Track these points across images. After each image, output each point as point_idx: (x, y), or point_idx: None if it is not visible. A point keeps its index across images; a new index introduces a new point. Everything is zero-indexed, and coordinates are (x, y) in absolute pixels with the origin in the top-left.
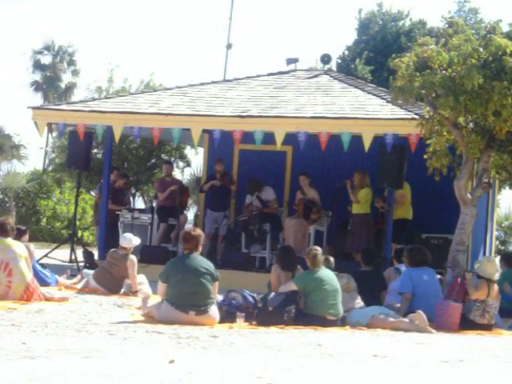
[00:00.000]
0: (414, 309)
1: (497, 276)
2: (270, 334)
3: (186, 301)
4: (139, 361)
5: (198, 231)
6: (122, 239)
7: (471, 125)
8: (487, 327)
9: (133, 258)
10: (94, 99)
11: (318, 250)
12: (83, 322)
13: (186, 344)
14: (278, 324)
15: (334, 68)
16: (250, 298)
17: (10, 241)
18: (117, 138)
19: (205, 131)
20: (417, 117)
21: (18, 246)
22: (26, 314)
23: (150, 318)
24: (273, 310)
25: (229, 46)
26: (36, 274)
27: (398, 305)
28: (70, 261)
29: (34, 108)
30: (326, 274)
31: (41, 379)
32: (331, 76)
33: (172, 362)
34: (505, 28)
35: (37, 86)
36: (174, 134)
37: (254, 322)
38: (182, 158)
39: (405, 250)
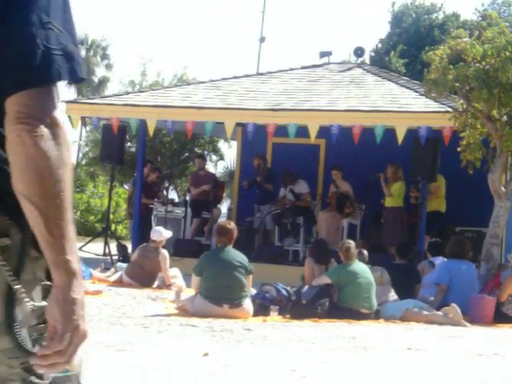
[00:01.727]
0: (449, 302)
1: None
2: (304, 327)
3: (219, 294)
4: (173, 354)
5: (233, 224)
6: (153, 233)
7: (505, 118)
8: (507, 319)
9: (164, 251)
10: (127, 93)
11: (352, 243)
12: (117, 315)
13: (220, 337)
14: (312, 317)
15: (367, 61)
16: (284, 292)
17: None
18: (151, 131)
19: (238, 124)
20: (450, 110)
21: None
22: None
23: (184, 311)
24: (306, 304)
25: (262, 40)
26: None
27: (432, 298)
28: (104, 254)
29: (67, 102)
30: (360, 268)
31: None
32: (364, 69)
33: (206, 354)
34: None
35: None
36: (207, 127)
37: (287, 316)
38: (216, 151)
39: (450, 241)
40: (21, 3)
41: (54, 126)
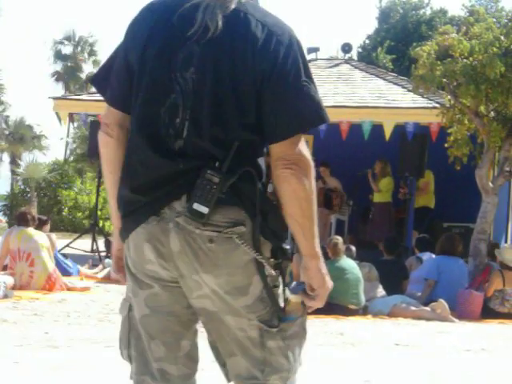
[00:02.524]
0: (437, 297)
1: None
2: None
3: None
4: None
5: None
6: None
7: (492, 113)
8: (508, 316)
9: None
10: None
11: (339, 239)
12: (105, 312)
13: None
14: None
15: (355, 57)
16: None
17: (31, 231)
18: None
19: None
20: (438, 105)
21: (40, 236)
22: (48, 303)
23: None
24: None
25: None
26: (58, 264)
27: (420, 294)
28: (92, 251)
29: (55, 98)
30: (348, 264)
31: (63, 368)
32: (352, 65)
33: None
34: None
35: (58, 77)
36: None
37: None
38: None
39: (440, 238)
40: (286, 65)
41: (307, 165)
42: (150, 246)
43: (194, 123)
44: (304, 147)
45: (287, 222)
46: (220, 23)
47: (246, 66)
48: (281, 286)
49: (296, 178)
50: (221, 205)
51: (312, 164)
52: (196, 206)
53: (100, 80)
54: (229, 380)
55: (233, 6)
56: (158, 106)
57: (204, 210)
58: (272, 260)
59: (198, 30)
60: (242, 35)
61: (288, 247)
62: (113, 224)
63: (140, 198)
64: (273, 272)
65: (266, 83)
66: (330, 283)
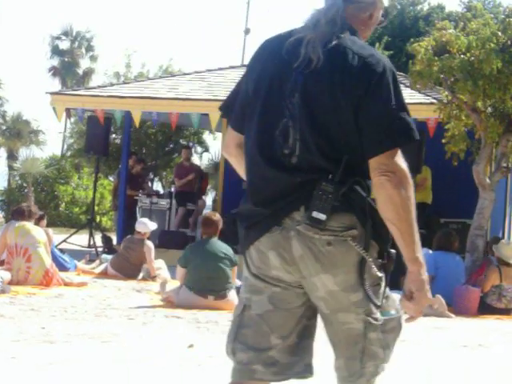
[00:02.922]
0: (434, 293)
1: None
2: None
3: (204, 285)
4: (158, 345)
5: (218, 216)
6: (138, 224)
7: (490, 109)
8: (505, 311)
9: (149, 243)
10: (112, 84)
11: None
12: (102, 307)
13: (205, 328)
14: None
15: None
16: None
17: (29, 226)
18: (137, 122)
19: (223, 116)
20: (435, 101)
21: (38, 232)
22: (45, 298)
23: (169, 302)
24: None
25: (247, 31)
26: (55, 259)
27: None
28: (89, 246)
29: (52, 93)
30: None
31: (60, 363)
32: None
33: (191, 346)
34: None
35: (55, 72)
36: (193, 119)
37: None
38: (201, 143)
39: (437, 234)
40: (376, 96)
41: (403, 175)
42: (275, 253)
43: (304, 142)
44: (400, 160)
45: (388, 227)
46: (321, 56)
47: (343, 92)
48: (383, 285)
49: (392, 184)
50: (335, 212)
51: (409, 175)
52: (315, 214)
53: (225, 107)
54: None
55: (334, 42)
56: (273, 129)
57: (322, 217)
58: (379, 261)
59: (303, 62)
60: (341, 66)
61: (393, 251)
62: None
63: (262, 210)
64: (378, 273)
65: (360, 107)
66: (428, 292)
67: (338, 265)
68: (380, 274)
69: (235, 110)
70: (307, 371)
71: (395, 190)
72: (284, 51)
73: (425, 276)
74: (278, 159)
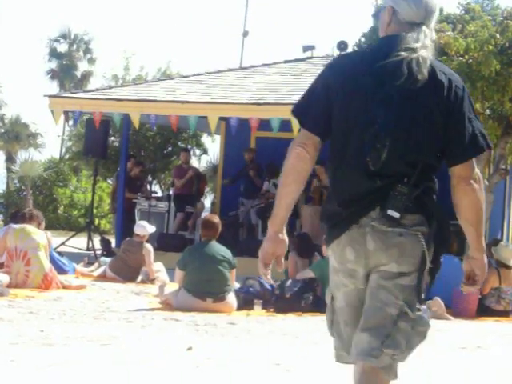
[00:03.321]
0: (432, 295)
1: None
2: (288, 321)
3: (203, 288)
4: (157, 348)
5: (218, 219)
6: (137, 227)
7: (488, 111)
8: (504, 314)
9: (148, 246)
10: (110, 87)
11: None
12: (101, 310)
13: (203, 331)
14: (296, 311)
15: None
16: (268, 286)
17: (30, 228)
18: (136, 124)
19: (221, 119)
20: None
21: (38, 235)
22: (43, 301)
23: (168, 305)
24: (290, 297)
25: (245, 34)
26: (53, 262)
27: None
28: (87, 249)
29: (50, 96)
30: None
31: (59, 366)
32: None
33: (190, 349)
34: None
35: (53, 75)
36: (190, 121)
37: (271, 309)
38: (199, 145)
39: None
40: (461, 109)
41: (480, 182)
42: (351, 248)
43: (393, 149)
44: (476, 167)
45: (462, 225)
46: (425, 75)
47: (435, 105)
48: (424, 284)
49: (474, 192)
50: (408, 211)
51: (482, 180)
52: (390, 212)
53: (300, 112)
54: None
55: (428, 63)
56: (362, 135)
57: (396, 215)
58: (430, 265)
59: (403, 78)
60: (432, 82)
61: (442, 259)
62: (273, 226)
63: (343, 211)
64: (427, 274)
65: (449, 118)
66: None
67: (406, 254)
68: (428, 276)
69: (314, 115)
70: None
71: (476, 196)
72: (378, 67)
73: (486, 260)
74: (363, 164)
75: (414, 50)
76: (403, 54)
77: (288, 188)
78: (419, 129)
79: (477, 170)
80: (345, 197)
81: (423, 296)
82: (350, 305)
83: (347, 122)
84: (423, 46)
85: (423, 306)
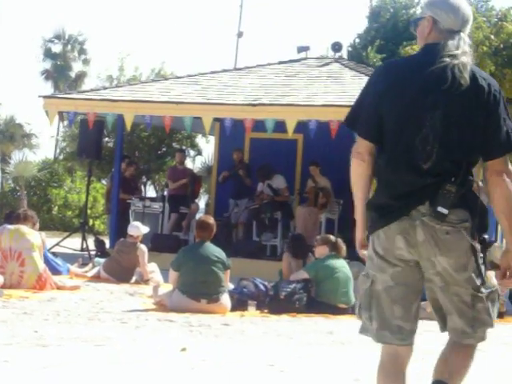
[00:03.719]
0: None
1: None
2: (282, 321)
3: (197, 289)
4: (151, 349)
5: (213, 220)
6: (130, 228)
7: None
8: (499, 315)
9: (142, 246)
10: (104, 88)
11: (329, 237)
12: (95, 311)
13: (197, 332)
14: (290, 312)
15: (345, 56)
16: (262, 286)
17: (25, 229)
18: (128, 126)
19: (216, 120)
20: None
21: (33, 235)
22: (38, 302)
23: (162, 306)
24: (284, 298)
25: (240, 35)
26: (47, 263)
27: None
28: (82, 249)
29: (45, 97)
30: (338, 262)
31: (53, 367)
32: (342, 64)
33: (184, 350)
34: None
35: (47, 75)
36: (186, 123)
37: (265, 310)
38: (193, 146)
39: None
40: (498, 111)
41: (511, 175)
42: (401, 237)
43: (442, 150)
44: (509, 163)
45: (497, 217)
46: (468, 80)
47: (478, 107)
48: (483, 265)
49: (506, 184)
50: (454, 208)
51: None
52: (439, 208)
53: (351, 120)
54: (443, 331)
55: (469, 68)
56: (413, 137)
57: (445, 211)
58: (480, 246)
59: (448, 83)
60: (474, 87)
61: (487, 237)
62: (358, 223)
63: (395, 203)
64: (481, 254)
65: (488, 119)
66: None
67: (452, 249)
68: (482, 255)
69: (368, 122)
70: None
71: (508, 188)
72: (424, 73)
73: None
74: (415, 163)
75: (455, 57)
76: (447, 60)
77: (357, 196)
78: (463, 130)
79: (510, 166)
80: (397, 191)
81: (483, 273)
82: (400, 283)
83: (397, 125)
84: (463, 52)
85: (485, 281)
